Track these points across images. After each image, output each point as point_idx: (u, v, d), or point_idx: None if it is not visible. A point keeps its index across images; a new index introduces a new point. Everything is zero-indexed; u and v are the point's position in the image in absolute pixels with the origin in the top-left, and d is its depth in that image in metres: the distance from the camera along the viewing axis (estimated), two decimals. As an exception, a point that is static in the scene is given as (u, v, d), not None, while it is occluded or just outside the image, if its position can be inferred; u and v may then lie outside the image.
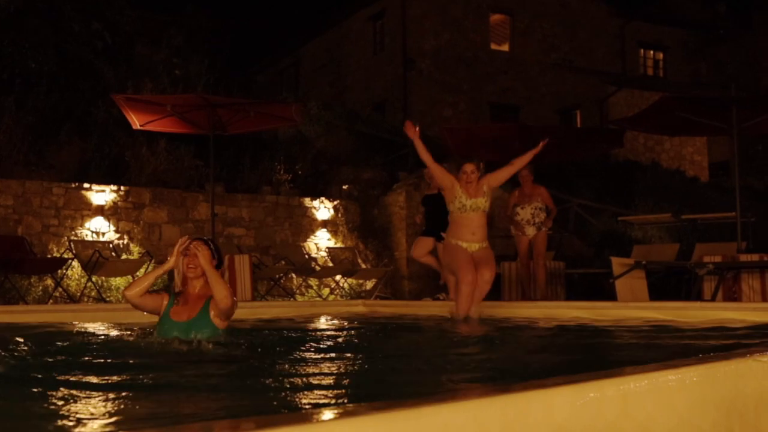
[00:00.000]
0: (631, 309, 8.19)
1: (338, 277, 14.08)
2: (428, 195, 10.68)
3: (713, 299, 9.46)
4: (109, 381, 3.72)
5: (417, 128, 7.56)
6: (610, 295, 10.50)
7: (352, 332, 7.16)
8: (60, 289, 11.44)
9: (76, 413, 2.94)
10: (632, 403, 2.43)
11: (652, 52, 29.35)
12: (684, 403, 2.70)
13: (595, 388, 2.34)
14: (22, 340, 5.66)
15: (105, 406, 3.07)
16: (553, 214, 11.08)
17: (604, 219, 16.30)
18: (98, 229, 12.44)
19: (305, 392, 3.44)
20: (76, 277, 11.92)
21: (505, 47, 26.65)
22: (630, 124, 14.17)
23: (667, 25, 28.91)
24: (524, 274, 11.33)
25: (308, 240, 14.47)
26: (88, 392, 3.39)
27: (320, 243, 14.56)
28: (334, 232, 14.74)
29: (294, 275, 13.81)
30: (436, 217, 10.28)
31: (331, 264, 14.11)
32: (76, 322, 7.11)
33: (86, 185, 12.47)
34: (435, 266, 10.71)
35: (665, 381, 2.62)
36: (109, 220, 12.56)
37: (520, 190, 11.13)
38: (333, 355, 5.15)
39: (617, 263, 10.44)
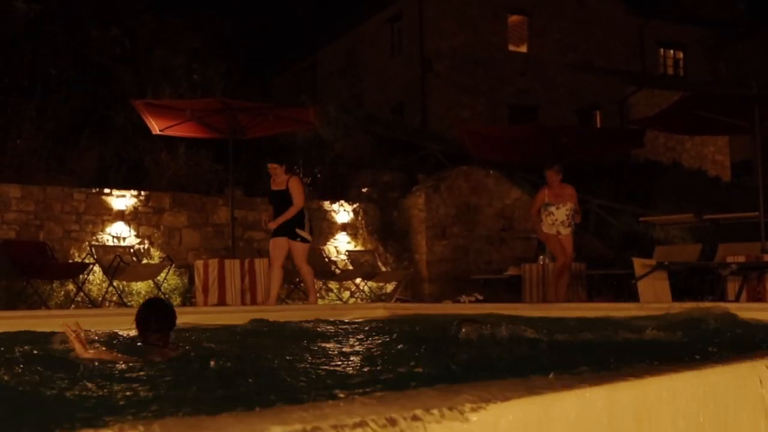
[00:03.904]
0: (654, 310, 8.11)
1: (358, 280, 14.06)
2: (274, 191, 10.17)
3: (737, 300, 9.37)
4: (128, 384, 3.73)
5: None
6: (632, 295, 10.43)
7: (373, 335, 7.13)
8: (82, 294, 11.50)
9: (92, 413, 2.94)
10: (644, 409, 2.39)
11: (671, 51, 29.17)
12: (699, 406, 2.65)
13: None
14: (44, 344, 5.68)
15: (123, 404, 3.08)
16: (579, 215, 10.86)
17: (624, 219, 16.19)
18: (119, 234, 12.49)
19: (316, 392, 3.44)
20: (98, 281, 11.97)
21: (523, 48, 26.57)
22: (650, 123, 14.07)
23: (686, 23, 28.71)
24: (555, 275, 11.08)
25: (328, 243, 14.46)
26: (111, 394, 3.38)
27: (340, 246, 14.54)
28: (353, 235, 14.73)
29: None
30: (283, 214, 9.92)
31: (351, 267, 14.09)
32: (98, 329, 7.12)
33: (106, 190, 12.53)
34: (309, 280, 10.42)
35: (681, 383, 2.58)
36: (129, 225, 12.61)
37: (550, 190, 10.78)
38: (352, 358, 5.13)
39: (639, 264, 10.35)
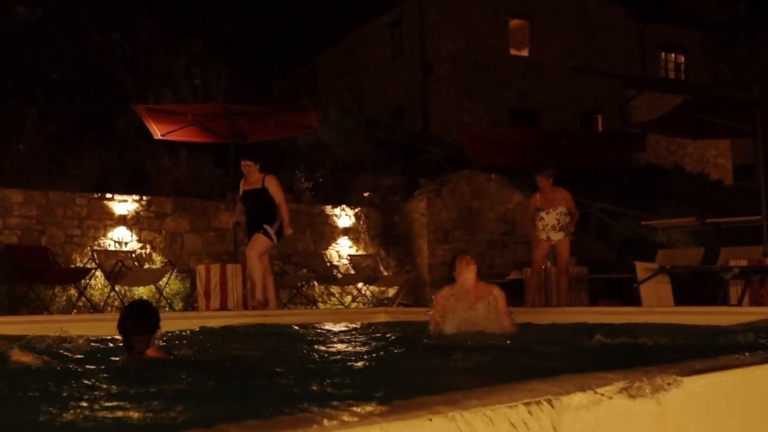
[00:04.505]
0: (656, 314, 8.12)
1: (360, 285, 14.05)
2: (247, 190, 9.99)
3: (740, 304, 9.36)
4: (133, 388, 3.71)
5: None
6: (634, 300, 10.43)
7: (375, 340, 7.12)
8: (84, 299, 11.49)
9: (91, 420, 2.92)
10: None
11: (672, 55, 29.15)
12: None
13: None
14: (45, 348, 5.67)
15: (123, 413, 3.06)
16: (575, 219, 10.82)
17: (626, 223, 16.17)
18: (121, 238, 12.49)
19: (316, 400, 3.42)
20: (100, 286, 11.97)
21: (524, 52, 26.56)
22: (652, 127, 14.07)
23: (687, 27, 28.70)
24: (536, 282, 11.16)
25: (330, 248, 14.45)
26: (108, 399, 3.36)
27: (342, 250, 14.53)
28: (355, 240, 14.72)
29: (316, 283, 13.80)
30: (257, 212, 9.74)
31: (352, 271, 14.08)
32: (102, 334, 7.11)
33: (108, 195, 12.53)
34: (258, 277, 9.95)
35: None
36: (131, 230, 12.60)
37: (541, 194, 10.79)
38: (354, 362, 5.11)
39: (641, 268, 10.35)
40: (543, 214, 10.66)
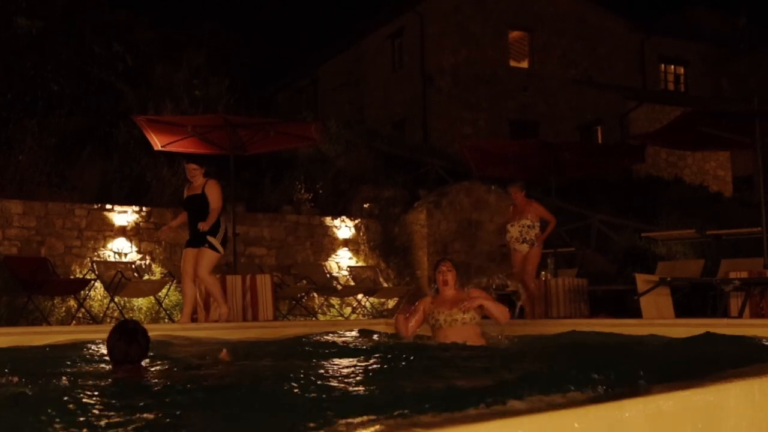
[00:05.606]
0: (657, 326, 8.09)
1: (360, 296, 14.03)
2: (189, 196, 9.52)
3: (740, 316, 9.34)
4: (133, 403, 3.68)
5: None
6: (634, 312, 10.40)
7: (374, 352, 7.08)
8: (83, 310, 11.47)
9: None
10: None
11: (672, 66, 29.22)
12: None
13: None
14: (43, 361, 5.65)
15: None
16: (551, 226, 10.93)
17: (626, 235, 16.16)
18: (120, 249, 12.48)
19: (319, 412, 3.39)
20: (99, 297, 11.95)
21: (524, 64, 26.63)
22: (652, 139, 14.07)
23: (688, 39, 28.79)
24: (526, 293, 11.19)
25: (329, 259, 14.45)
26: (91, 422, 3.31)
27: (341, 262, 14.52)
28: (355, 251, 14.71)
29: (315, 294, 13.78)
30: (200, 221, 9.21)
31: (352, 283, 14.07)
32: (99, 343, 7.09)
33: (108, 206, 12.53)
34: (216, 292, 9.55)
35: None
36: (131, 241, 12.60)
37: (513, 207, 11.02)
38: (352, 376, 5.09)
39: (641, 280, 10.32)
40: (509, 226, 10.94)
